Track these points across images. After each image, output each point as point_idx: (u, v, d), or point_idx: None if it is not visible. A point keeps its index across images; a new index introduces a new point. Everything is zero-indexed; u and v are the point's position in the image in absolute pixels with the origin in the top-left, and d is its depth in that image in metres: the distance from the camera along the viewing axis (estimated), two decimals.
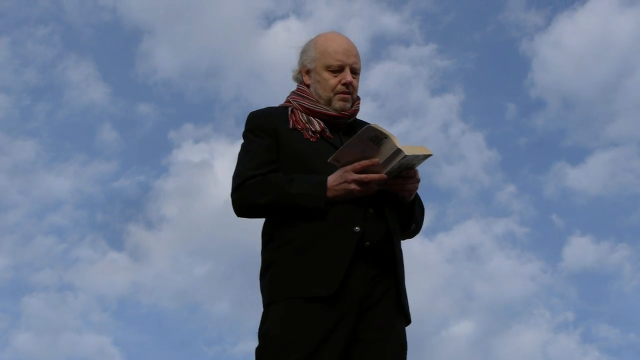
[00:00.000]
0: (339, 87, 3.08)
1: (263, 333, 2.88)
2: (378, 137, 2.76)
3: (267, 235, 2.99)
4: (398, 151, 2.75)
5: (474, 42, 10.71)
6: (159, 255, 9.93)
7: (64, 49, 10.36)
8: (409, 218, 3.06)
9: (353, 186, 2.84)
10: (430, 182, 9.52)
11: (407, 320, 3.00)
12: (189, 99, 10.56)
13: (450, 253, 9.91)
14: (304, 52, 3.20)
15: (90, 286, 9.74)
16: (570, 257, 9.79)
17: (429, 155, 2.83)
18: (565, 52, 10.45)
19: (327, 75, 3.09)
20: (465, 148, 10.30)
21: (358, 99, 3.18)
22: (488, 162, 10.22)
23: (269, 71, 10.47)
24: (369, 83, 9.73)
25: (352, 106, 3.13)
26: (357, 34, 10.23)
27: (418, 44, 10.52)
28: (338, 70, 3.09)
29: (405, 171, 2.90)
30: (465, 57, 10.63)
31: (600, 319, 9.56)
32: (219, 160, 10.26)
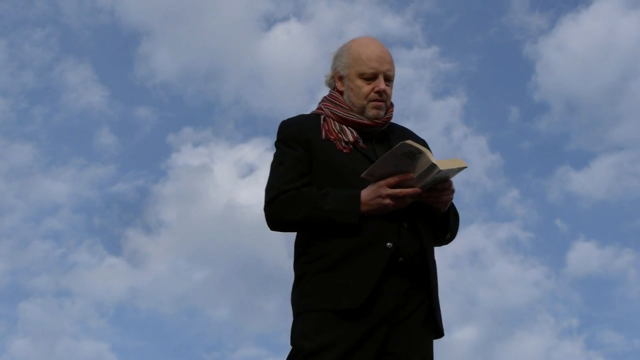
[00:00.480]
0: (372, 95, 3.06)
1: (293, 343, 2.91)
2: (412, 153, 2.77)
3: (300, 249, 3.00)
4: (433, 166, 2.76)
5: (477, 44, 10.72)
6: (157, 260, 9.95)
7: (62, 52, 10.39)
8: (444, 228, 3.07)
9: (387, 201, 2.84)
10: None
11: (440, 333, 3.01)
12: (188, 102, 10.59)
13: (452, 258, 9.74)
14: (337, 57, 3.18)
15: (88, 291, 9.76)
16: (575, 262, 9.78)
17: (464, 167, 2.83)
18: (569, 55, 10.46)
19: (360, 82, 3.07)
20: (468, 152, 10.26)
21: (392, 105, 3.16)
22: (491, 166, 10.22)
23: (270, 74, 10.50)
24: None
25: (385, 113, 3.11)
26: (359, 36, 10.07)
27: (420, 47, 10.48)
28: (371, 78, 3.07)
29: (439, 184, 2.90)
30: (468, 59, 10.62)
31: (605, 325, 9.54)
32: (219, 164, 10.32)
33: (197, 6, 10.61)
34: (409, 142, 2.75)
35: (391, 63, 3.11)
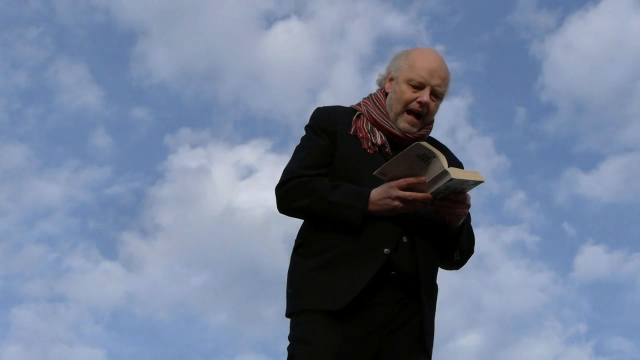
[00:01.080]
0: (414, 104, 3.04)
1: (288, 349, 2.93)
2: (427, 156, 2.73)
3: (300, 240, 3.04)
4: (444, 172, 2.71)
5: (483, 43, 10.71)
6: (154, 265, 9.90)
7: (56, 51, 10.37)
8: (453, 245, 3.03)
9: (396, 203, 2.82)
10: None
11: (428, 355, 2.99)
12: (185, 103, 10.60)
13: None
14: (395, 59, 3.18)
15: (83, 297, 9.71)
16: (583, 266, 9.77)
17: (481, 182, 2.78)
18: (577, 54, 10.45)
19: (405, 88, 3.05)
20: (473, 153, 10.25)
21: (431, 123, 3.13)
22: (497, 168, 10.21)
23: (270, 74, 10.53)
24: (374, 86, 9.68)
25: (420, 129, 3.07)
26: (361, 35, 10.41)
27: (424, 46, 9.98)
28: (418, 86, 3.04)
29: (453, 195, 2.85)
30: (473, 59, 10.61)
31: (613, 331, 9.52)
32: (217, 166, 10.34)
33: (195, 4, 10.65)
34: (424, 143, 2.71)
35: (444, 80, 3.07)
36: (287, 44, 10.41)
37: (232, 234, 9.39)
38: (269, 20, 10.43)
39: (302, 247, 3.01)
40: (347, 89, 10.07)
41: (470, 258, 3.16)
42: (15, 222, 9.92)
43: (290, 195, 2.98)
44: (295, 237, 3.10)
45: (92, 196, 10.03)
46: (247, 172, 10.22)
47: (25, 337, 9.39)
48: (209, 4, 10.72)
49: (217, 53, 10.63)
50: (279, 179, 3.05)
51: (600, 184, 10.08)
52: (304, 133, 3.16)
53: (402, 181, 2.80)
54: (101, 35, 10.61)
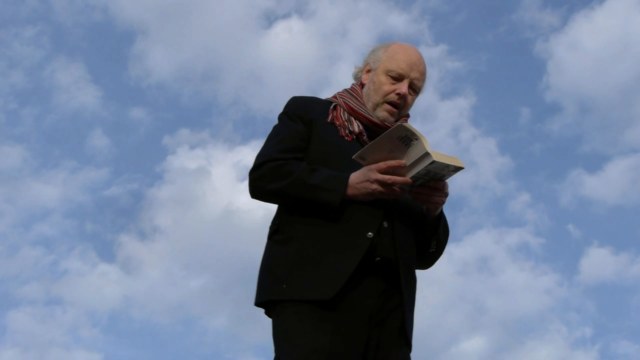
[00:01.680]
0: (392, 95, 3.06)
1: (276, 345, 2.85)
2: (408, 138, 2.71)
3: (275, 227, 2.97)
4: (426, 155, 2.69)
5: (486, 42, 10.76)
6: (152, 268, 9.91)
7: (53, 51, 10.41)
8: (430, 236, 3.02)
9: (375, 186, 2.79)
10: None
11: (409, 346, 2.97)
12: (184, 103, 10.62)
13: (460, 265, 9.91)
14: (373, 51, 3.19)
15: (80, 300, 9.70)
16: (588, 269, 9.75)
17: (461, 168, 2.78)
18: (582, 53, 10.46)
19: (384, 79, 3.07)
20: (477, 154, 10.34)
21: (407, 116, 3.16)
22: (501, 169, 10.28)
23: (270, 74, 10.55)
24: None
25: (396, 120, 3.05)
26: (363, 34, 10.40)
27: (427, 45, 10.45)
28: (397, 78, 3.07)
29: (433, 181, 2.84)
30: (476, 58, 10.68)
31: (619, 335, 9.49)
32: (217, 167, 10.38)
33: (194, 3, 10.69)
34: (407, 124, 2.69)
35: (423, 74, 3.11)
36: (288, 43, 10.49)
37: (232, 236, 9.38)
38: (270, 19, 10.48)
39: (278, 233, 2.94)
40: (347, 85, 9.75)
41: (441, 257, 3.13)
42: (12, 224, 9.93)
43: (265, 178, 2.92)
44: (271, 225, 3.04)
45: (90, 198, 10.06)
46: (247, 174, 10.11)
47: (22, 340, 9.38)
48: (209, 3, 10.81)
49: (217, 52, 10.70)
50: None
51: (605, 185, 10.10)
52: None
53: (382, 164, 2.77)
54: (99, 34, 10.68)
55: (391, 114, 3.05)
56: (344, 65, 10.20)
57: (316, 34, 10.63)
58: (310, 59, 10.36)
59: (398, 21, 10.50)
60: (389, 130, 2.72)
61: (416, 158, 2.72)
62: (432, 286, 9.24)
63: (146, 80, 10.39)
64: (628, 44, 10.34)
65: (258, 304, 2.92)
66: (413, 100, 3.12)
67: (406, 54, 3.09)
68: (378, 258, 2.84)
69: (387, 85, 3.05)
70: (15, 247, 9.80)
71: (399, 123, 2.71)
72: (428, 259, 3.08)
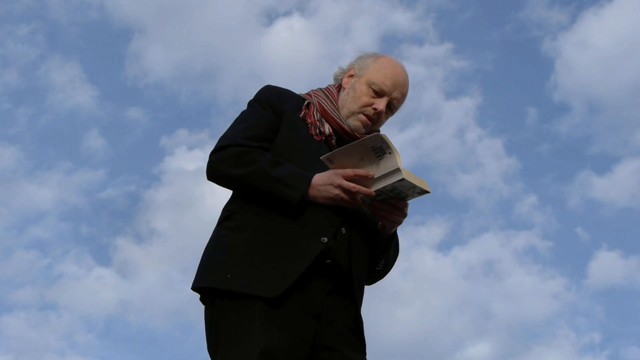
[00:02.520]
0: (369, 109, 3.03)
1: (218, 339, 2.76)
2: (382, 150, 2.69)
3: (228, 212, 2.90)
4: (396, 171, 2.67)
5: (493, 41, 10.76)
6: (149, 271, 9.91)
7: (48, 49, 10.39)
8: (380, 254, 3.00)
9: (337, 191, 2.77)
10: (445, 192, 9.93)
11: (364, 348, 2.93)
12: (183, 103, 10.58)
13: (466, 269, 9.97)
14: (361, 57, 3.17)
15: (75, 305, 9.68)
16: (597, 273, 9.72)
17: (426, 192, 2.77)
18: (591, 52, 10.42)
19: (365, 89, 3.05)
20: (483, 155, 10.39)
21: (377, 131, 3.09)
22: (507, 170, 10.27)
23: (270, 73, 10.64)
24: None
25: (367, 134, 3.02)
26: (366, 33, 10.47)
27: (432, 43, 10.54)
28: (378, 93, 3.05)
29: (395, 200, 2.82)
30: (483, 57, 10.69)
31: (629, 340, 9.49)
32: None
33: (193, 0, 10.68)
34: (385, 136, 2.67)
35: (404, 96, 3.10)
36: (289, 41, 10.52)
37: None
38: (270, 16, 10.48)
39: (229, 220, 2.88)
40: None
41: (383, 279, 3.10)
42: (5, 227, 9.96)
43: (226, 162, 2.86)
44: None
45: (85, 200, 10.03)
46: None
47: (16, 346, 9.35)
48: (207, 1, 10.80)
49: (216, 51, 10.67)
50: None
51: (615, 187, 10.07)
52: None
53: (349, 171, 2.75)
54: (95, 32, 10.65)
55: (364, 125, 3.03)
56: (346, 64, 9.97)
57: (318, 32, 10.71)
58: (311, 57, 10.39)
59: (402, 19, 10.52)
60: (364, 138, 2.71)
61: (385, 172, 2.70)
62: (436, 290, 9.84)
63: (143, 79, 10.41)
64: (638, 42, 10.33)
65: (195, 288, 2.85)
66: (387, 118, 3.11)
67: (394, 72, 3.07)
68: (329, 261, 2.81)
69: (367, 97, 3.03)
70: (9, 251, 9.81)
71: (377, 133, 2.69)
72: (372, 276, 3.04)
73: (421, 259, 9.95)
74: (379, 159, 2.70)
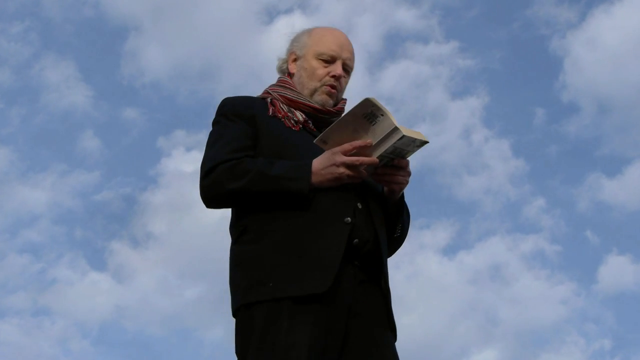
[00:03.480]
0: (327, 78, 3.07)
1: (247, 347, 2.73)
2: (374, 114, 2.69)
3: (240, 228, 2.89)
4: (395, 130, 2.68)
5: (500, 39, 10.67)
6: (145, 276, 9.83)
7: (42, 48, 10.29)
8: (395, 219, 3.02)
9: (342, 169, 2.78)
10: (450, 194, 10.03)
11: (395, 336, 2.96)
12: (180, 103, 10.43)
13: (472, 273, 9.88)
14: (295, 39, 3.21)
15: (69, 310, 9.65)
16: (607, 278, 9.63)
17: (426, 143, 2.79)
18: (601, 50, 10.35)
19: (316, 63, 3.09)
20: (489, 157, 10.27)
21: (344, 99, 3.16)
22: (514, 172, 10.16)
23: (270, 72, 10.25)
24: (382, 85, 10.29)
25: (335, 105, 3.10)
26: (370, 31, 10.36)
27: (437, 42, 10.44)
28: (329, 60, 3.10)
29: (397, 159, 2.84)
30: (489, 56, 10.60)
31: None
32: None
33: None
34: (373, 98, 2.68)
35: (352, 54, 3.15)
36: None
37: (230, 243, 9.21)
38: (271, 14, 10.39)
39: (245, 234, 2.86)
40: (354, 88, 9.92)
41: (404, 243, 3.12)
42: None
43: (221, 180, 2.83)
44: (229, 227, 2.98)
45: (80, 203, 9.93)
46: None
47: (8, 353, 9.28)
48: None
49: (215, 50, 10.55)
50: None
51: (625, 189, 9.97)
52: None
53: (347, 145, 2.76)
54: (90, 30, 10.58)
55: (330, 95, 3.07)
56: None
57: None
58: None
59: (406, 17, 10.41)
60: (354, 107, 2.71)
61: (383, 135, 2.71)
62: (442, 295, 9.74)
63: (140, 79, 10.29)
64: None
65: (237, 309, 2.81)
66: (346, 82, 3.15)
67: (333, 36, 3.14)
68: (356, 240, 2.81)
69: (321, 69, 3.08)
70: (1, 255, 9.72)
71: (365, 98, 2.69)
72: (393, 244, 3.06)
73: (426, 264, 9.89)
74: (373, 125, 2.71)
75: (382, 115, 2.68)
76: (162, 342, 9.44)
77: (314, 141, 2.82)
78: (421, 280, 9.77)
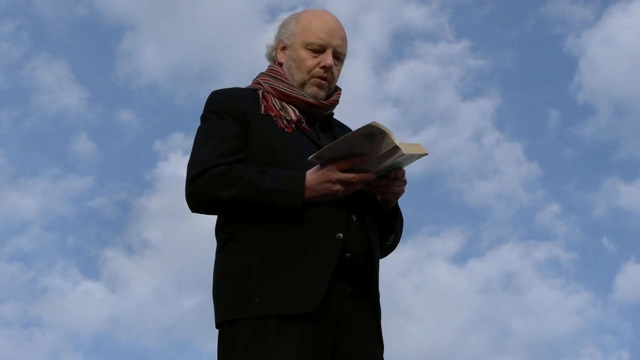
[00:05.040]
0: (317, 69, 3.03)
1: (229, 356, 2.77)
2: (372, 134, 2.70)
3: (227, 235, 2.88)
4: (395, 149, 2.71)
5: (512, 38, 10.65)
6: (141, 286, 9.83)
7: (33, 47, 10.26)
8: (389, 228, 3.04)
9: (337, 187, 2.77)
10: (460, 200, 9.98)
11: (382, 348, 2.98)
12: (178, 105, 10.40)
13: (483, 283, 9.86)
14: (283, 25, 3.17)
15: (61, 321, 9.62)
16: (624, 287, 9.63)
17: (425, 154, 2.83)
18: (618, 50, 10.36)
19: (305, 54, 3.05)
20: (501, 161, 10.26)
21: (338, 89, 3.15)
22: (528, 177, 10.15)
23: None
24: (390, 85, 10.32)
25: (329, 97, 3.09)
26: (377, 29, 10.38)
27: (448, 41, 10.42)
28: (319, 50, 3.05)
29: (393, 172, 2.88)
30: (502, 56, 10.55)
31: None
32: None
33: None
34: (374, 122, 2.66)
35: (344, 40, 3.10)
36: None
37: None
38: (273, 12, 10.27)
39: (232, 242, 2.85)
40: (360, 90, 10.01)
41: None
42: None
43: (210, 187, 2.80)
44: (214, 231, 2.97)
45: (73, 209, 9.92)
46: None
47: None
48: None
49: (214, 50, 10.54)
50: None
51: None
52: None
53: (344, 163, 2.75)
54: (84, 29, 10.54)
55: (321, 87, 3.03)
56: (355, 63, 10.05)
57: None
58: None
59: (415, 15, 10.41)
60: (353, 132, 2.70)
61: (382, 152, 2.73)
62: (451, 305, 9.78)
63: (136, 80, 10.29)
64: None
65: (221, 324, 2.82)
66: (339, 70, 3.11)
67: (322, 21, 3.07)
68: (348, 254, 2.82)
69: (310, 60, 3.04)
70: None
71: (366, 124, 2.67)
72: (384, 251, 3.08)
73: (435, 272, 9.89)
74: (372, 142, 2.70)
75: (382, 133, 2.69)
76: (159, 355, 9.47)
77: (309, 158, 2.77)
78: (430, 289, 9.88)
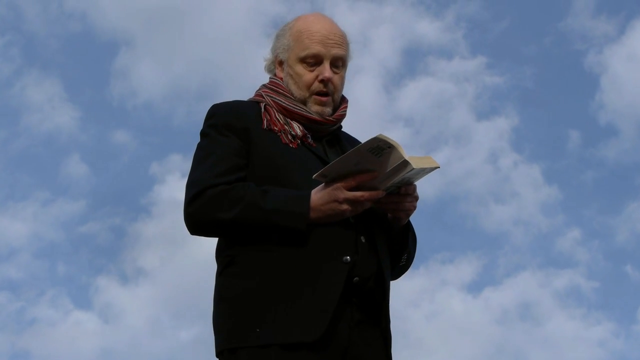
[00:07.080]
0: (316, 84, 3.00)
1: None
2: (380, 148, 2.71)
3: (228, 258, 2.89)
4: (405, 163, 2.71)
5: (531, 55, 10.74)
6: (135, 316, 9.87)
7: (24, 64, 10.34)
8: (401, 247, 3.03)
9: (345, 207, 2.76)
10: (475, 225, 9.95)
11: None
12: (176, 125, 10.41)
13: (499, 312, 9.83)
14: (278, 37, 3.14)
15: (51, 353, 9.62)
16: None
17: (436, 168, 2.81)
18: None
19: (301, 69, 3.02)
20: (519, 184, 10.25)
21: (344, 100, 3.12)
22: (546, 201, 10.17)
23: None
24: (402, 104, 10.40)
25: (334, 111, 3.06)
26: (388, 45, 10.41)
27: (463, 57, 10.50)
28: (315, 63, 3.01)
29: (403, 187, 2.88)
30: (519, 73, 10.58)
31: None
32: None
33: (188, 9, 10.68)
34: (381, 135, 2.67)
35: (340, 44, 3.05)
36: None
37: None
38: (277, 27, 10.33)
39: (233, 266, 2.85)
40: (370, 107, 10.14)
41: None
42: None
43: (210, 208, 2.80)
44: (215, 254, 2.98)
45: (64, 235, 9.94)
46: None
47: None
48: (206, 9, 10.75)
49: (214, 67, 10.59)
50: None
51: None
52: None
53: (352, 181, 2.74)
54: (77, 45, 10.64)
55: (323, 104, 3.00)
56: (364, 79, 10.16)
57: None
58: None
59: (429, 29, 10.47)
60: (360, 145, 2.71)
61: (391, 168, 2.73)
62: (466, 337, 9.75)
63: (131, 98, 10.29)
64: None
65: (219, 353, 2.83)
66: (342, 77, 3.07)
67: (314, 30, 3.02)
68: (356, 278, 2.82)
69: (307, 75, 3.00)
70: None
71: (373, 137, 2.66)
72: (397, 272, 3.08)
73: (448, 302, 9.94)
74: (379, 157, 2.69)
75: (390, 147, 2.68)
76: None
77: (313, 176, 2.76)
78: (443, 320, 10.00)
